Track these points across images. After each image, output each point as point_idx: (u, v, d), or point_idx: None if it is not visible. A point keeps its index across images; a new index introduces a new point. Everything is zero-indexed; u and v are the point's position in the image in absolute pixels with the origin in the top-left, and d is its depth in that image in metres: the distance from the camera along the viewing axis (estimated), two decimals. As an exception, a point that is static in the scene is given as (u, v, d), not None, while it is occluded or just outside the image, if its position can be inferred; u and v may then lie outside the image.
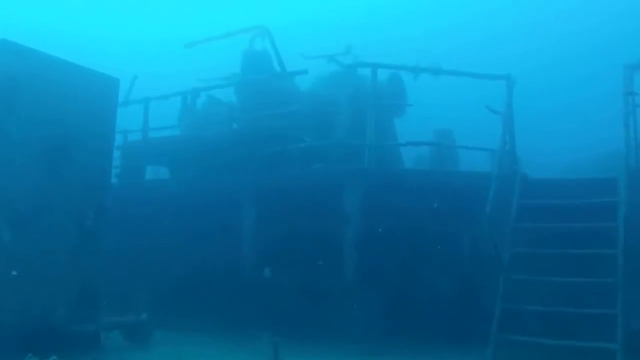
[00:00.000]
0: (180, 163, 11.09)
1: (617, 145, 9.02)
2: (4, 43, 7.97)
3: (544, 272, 7.82)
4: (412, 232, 8.85)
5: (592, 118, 31.47)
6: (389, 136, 11.17)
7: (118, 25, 46.12)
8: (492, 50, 36.64)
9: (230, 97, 12.18)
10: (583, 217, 8.05)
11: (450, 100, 31.87)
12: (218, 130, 10.70)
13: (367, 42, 13.03)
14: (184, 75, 14.98)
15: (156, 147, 11.16)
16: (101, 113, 8.90)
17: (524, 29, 41.39)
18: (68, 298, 8.02)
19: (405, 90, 11.68)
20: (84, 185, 8.48)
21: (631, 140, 8.39)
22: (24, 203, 7.76)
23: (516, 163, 9.09)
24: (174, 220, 10.29)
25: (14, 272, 7.31)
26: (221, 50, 13.67)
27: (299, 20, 40.56)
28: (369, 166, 9.24)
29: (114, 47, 40.17)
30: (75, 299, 8.11)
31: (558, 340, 7.19)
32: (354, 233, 9.03)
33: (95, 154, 8.73)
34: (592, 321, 7.21)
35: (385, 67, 9.67)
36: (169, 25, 43.68)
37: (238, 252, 9.81)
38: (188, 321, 9.30)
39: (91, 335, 8.12)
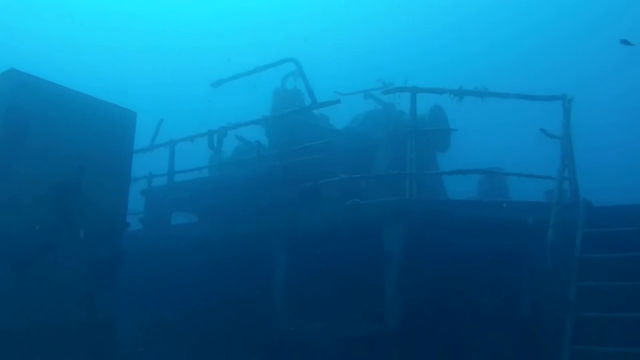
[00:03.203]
0: (209, 208, 10.29)
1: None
2: (14, 74, 7.40)
3: (617, 308, 6.78)
4: (463, 271, 7.80)
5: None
6: (432, 170, 10.21)
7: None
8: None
9: (262, 139, 11.45)
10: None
11: (500, 129, 30.76)
12: (248, 169, 9.91)
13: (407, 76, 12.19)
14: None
15: (182, 191, 10.43)
16: (117, 149, 8.25)
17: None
18: (77, 351, 7.21)
19: (448, 122, 10.79)
20: (96, 227, 7.78)
21: None
22: (29, 243, 7.05)
23: (577, 190, 8.03)
24: (200, 269, 9.43)
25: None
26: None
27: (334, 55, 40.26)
28: (411, 198, 8.17)
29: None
30: (86, 353, 7.31)
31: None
32: (397, 274, 7.82)
33: (110, 193, 8.05)
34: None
35: (425, 91, 8.72)
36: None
37: (268, 300, 8.83)
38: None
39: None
